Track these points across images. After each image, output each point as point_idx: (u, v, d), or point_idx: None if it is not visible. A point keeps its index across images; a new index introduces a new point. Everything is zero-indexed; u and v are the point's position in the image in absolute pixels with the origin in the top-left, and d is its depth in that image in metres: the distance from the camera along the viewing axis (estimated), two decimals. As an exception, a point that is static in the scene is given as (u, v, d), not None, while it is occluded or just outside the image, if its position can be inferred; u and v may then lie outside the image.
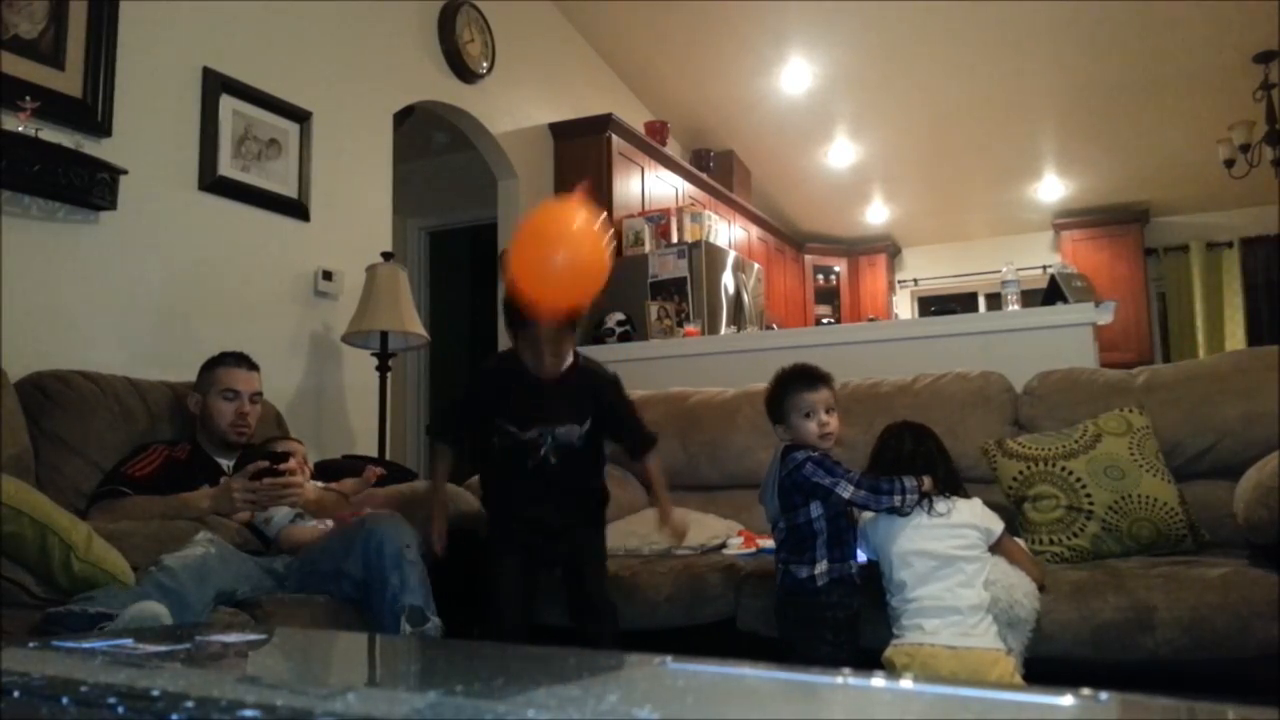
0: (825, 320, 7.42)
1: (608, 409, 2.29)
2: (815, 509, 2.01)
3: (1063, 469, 2.32)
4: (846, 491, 1.97)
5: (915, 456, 2.08)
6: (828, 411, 2.06)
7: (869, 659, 1.99)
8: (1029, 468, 2.36)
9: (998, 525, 2.01)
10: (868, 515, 2.09)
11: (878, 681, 0.78)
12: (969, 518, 1.99)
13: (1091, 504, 2.26)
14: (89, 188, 2.58)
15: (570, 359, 2.24)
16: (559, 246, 1.93)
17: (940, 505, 2.00)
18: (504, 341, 2.42)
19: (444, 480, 2.35)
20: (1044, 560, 2.17)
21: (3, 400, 2.18)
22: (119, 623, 1.57)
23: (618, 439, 2.38)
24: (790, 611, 2.06)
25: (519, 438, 2.20)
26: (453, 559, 2.27)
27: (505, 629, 2.17)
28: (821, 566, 1.99)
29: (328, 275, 3.50)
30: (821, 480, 1.98)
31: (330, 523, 2.35)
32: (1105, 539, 2.23)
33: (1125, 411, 2.40)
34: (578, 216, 1.95)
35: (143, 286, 2.84)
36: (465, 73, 4.31)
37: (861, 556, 2.16)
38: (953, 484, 2.06)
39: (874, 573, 2.11)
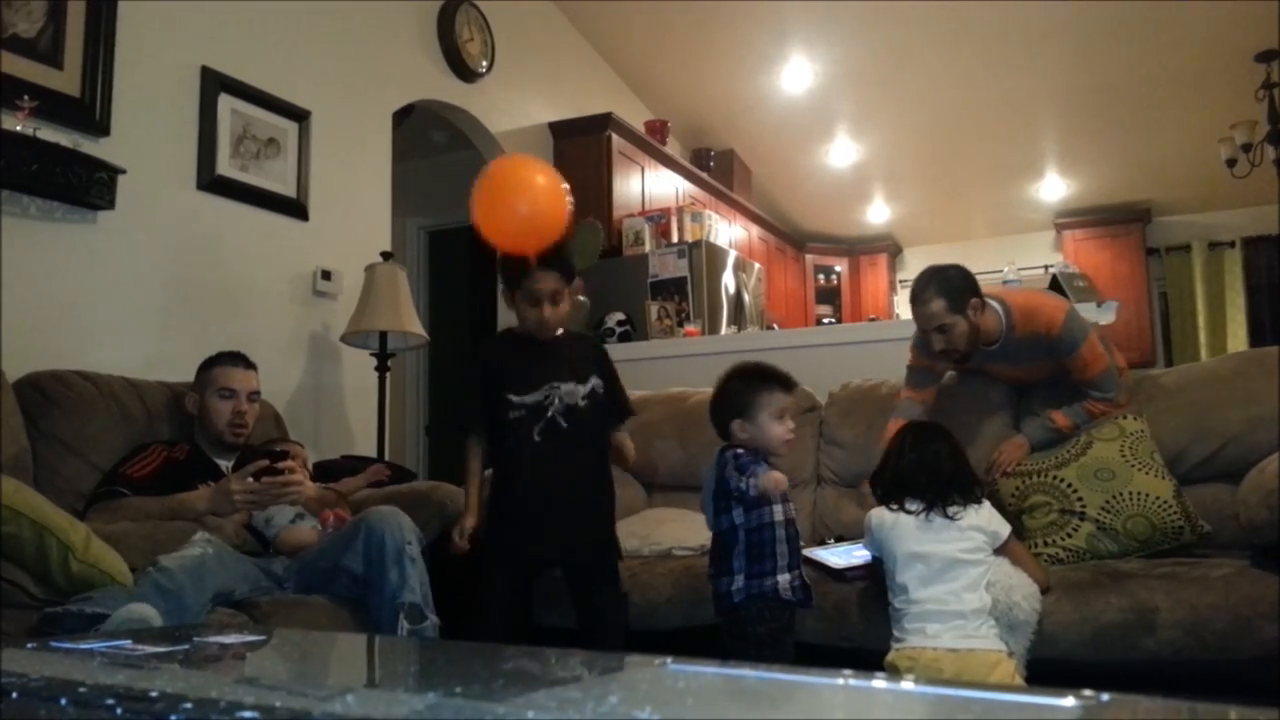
0: (826, 320, 7.42)
1: (602, 372, 2.29)
2: (737, 516, 1.95)
3: (1054, 478, 2.34)
4: (728, 462, 1.94)
5: (916, 458, 2.03)
6: (792, 417, 2.05)
7: (865, 659, 1.99)
8: (1024, 482, 2.39)
9: (1005, 529, 2.00)
10: (874, 514, 2.05)
11: (878, 682, 0.77)
12: (977, 521, 1.97)
13: (1083, 506, 2.27)
14: (87, 187, 2.58)
15: (563, 325, 2.24)
16: (516, 194, 2.05)
17: (950, 508, 1.96)
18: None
19: (477, 477, 2.28)
20: (1042, 563, 2.17)
21: (1, 400, 2.18)
22: (108, 625, 1.57)
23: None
24: (722, 625, 2.01)
25: (526, 403, 2.16)
26: (450, 560, 2.27)
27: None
28: (739, 581, 1.93)
29: (326, 275, 3.49)
30: (725, 468, 1.95)
31: (318, 525, 2.35)
32: (1101, 538, 2.24)
33: (1120, 419, 2.41)
34: (530, 166, 2.09)
35: (141, 286, 2.83)
36: (465, 72, 4.30)
37: (867, 555, 2.15)
38: (963, 488, 2.00)
39: (877, 571, 2.10)
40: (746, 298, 5.12)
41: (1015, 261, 6.94)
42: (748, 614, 1.93)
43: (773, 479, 1.89)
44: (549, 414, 2.16)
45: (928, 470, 2.01)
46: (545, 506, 2.18)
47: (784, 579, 1.94)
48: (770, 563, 1.94)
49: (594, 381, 2.23)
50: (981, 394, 2.68)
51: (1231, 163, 5.46)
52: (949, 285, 2.37)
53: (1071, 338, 2.37)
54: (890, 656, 1.93)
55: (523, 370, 2.19)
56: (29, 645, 1.11)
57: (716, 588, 1.99)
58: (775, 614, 1.94)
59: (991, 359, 2.52)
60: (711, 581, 2.02)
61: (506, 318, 3.02)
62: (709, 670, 0.77)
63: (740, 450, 1.97)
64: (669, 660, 0.79)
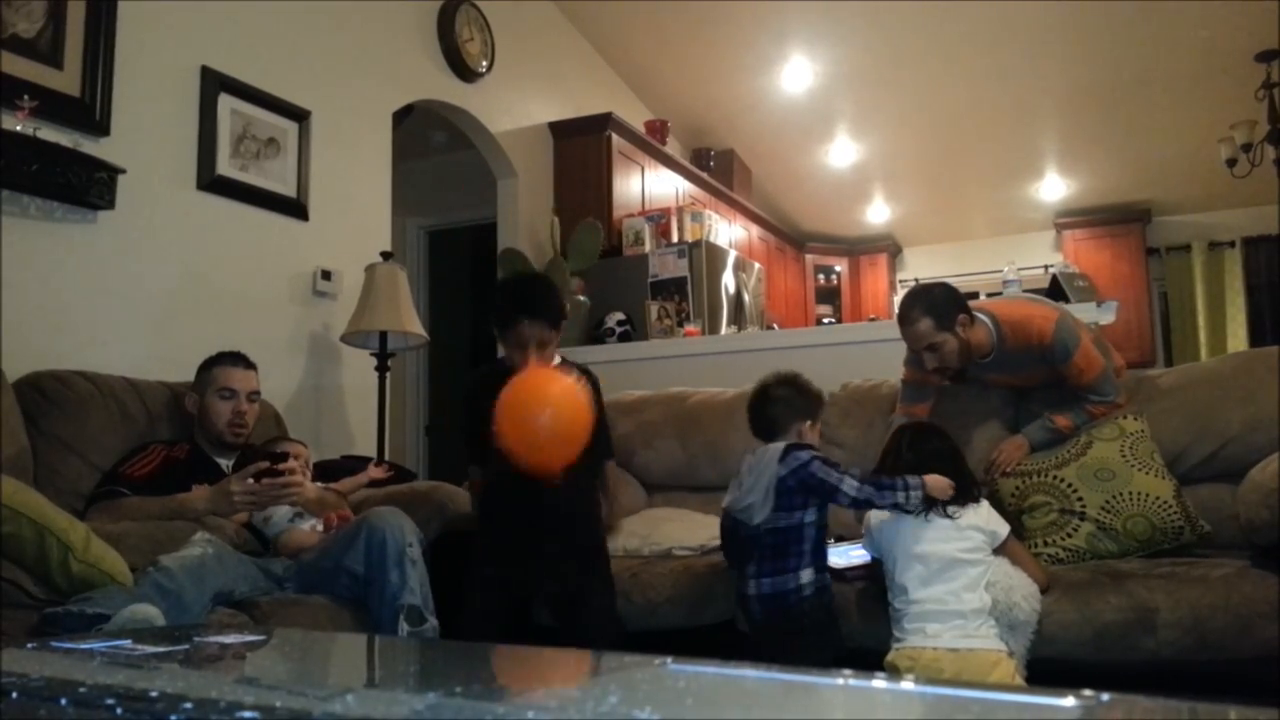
0: (826, 320, 7.42)
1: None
2: (811, 513, 1.98)
3: (1054, 478, 2.35)
4: (852, 489, 1.94)
5: (914, 458, 2.05)
6: None
7: (865, 659, 1.99)
8: (1024, 482, 2.39)
9: (1003, 528, 2.00)
10: (874, 515, 2.07)
11: (878, 682, 0.77)
12: (975, 520, 1.98)
13: (1083, 506, 2.27)
14: (87, 187, 2.58)
15: (556, 359, 2.22)
16: (543, 409, 1.90)
17: (950, 508, 1.98)
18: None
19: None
20: (1042, 563, 2.17)
21: (1, 400, 2.18)
22: (112, 626, 1.57)
23: None
24: (777, 621, 2.00)
25: None
26: (449, 561, 2.26)
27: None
28: (808, 575, 1.97)
29: (326, 275, 3.49)
30: (828, 478, 1.95)
31: (320, 526, 2.35)
32: (1101, 538, 2.24)
33: (1120, 419, 2.41)
34: (557, 381, 1.97)
35: (141, 286, 2.83)
36: (465, 71, 4.30)
37: (866, 555, 2.15)
38: (961, 487, 2.01)
39: (877, 571, 2.10)
40: (746, 298, 5.12)
41: (1015, 261, 6.90)
42: (815, 605, 1.98)
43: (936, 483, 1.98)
44: None
45: (925, 470, 2.01)
46: (528, 540, 2.16)
47: (826, 575, 2.06)
48: (823, 558, 2.04)
49: None
50: (981, 395, 2.68)
51: (1231, 163, 5.46)
52: (935, 304, 2.38)
53: (1063, 347, 2.38)
54: (890, 656, 1.93)
55: None
56: (29, 645, 1.11)
57: (780, 584, 1.98)
58: (827, 597, 2.03)
59: (987, 370, 2.52)
60: (762, 581, 2.00)
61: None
62: (709, 670, 0.77)
63: (818, 453, 2.03)
64: (669, 660, 0.79)
